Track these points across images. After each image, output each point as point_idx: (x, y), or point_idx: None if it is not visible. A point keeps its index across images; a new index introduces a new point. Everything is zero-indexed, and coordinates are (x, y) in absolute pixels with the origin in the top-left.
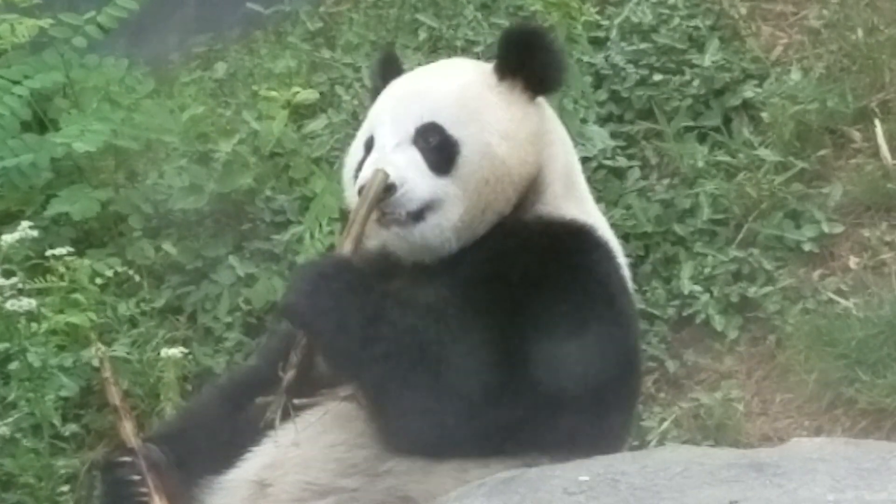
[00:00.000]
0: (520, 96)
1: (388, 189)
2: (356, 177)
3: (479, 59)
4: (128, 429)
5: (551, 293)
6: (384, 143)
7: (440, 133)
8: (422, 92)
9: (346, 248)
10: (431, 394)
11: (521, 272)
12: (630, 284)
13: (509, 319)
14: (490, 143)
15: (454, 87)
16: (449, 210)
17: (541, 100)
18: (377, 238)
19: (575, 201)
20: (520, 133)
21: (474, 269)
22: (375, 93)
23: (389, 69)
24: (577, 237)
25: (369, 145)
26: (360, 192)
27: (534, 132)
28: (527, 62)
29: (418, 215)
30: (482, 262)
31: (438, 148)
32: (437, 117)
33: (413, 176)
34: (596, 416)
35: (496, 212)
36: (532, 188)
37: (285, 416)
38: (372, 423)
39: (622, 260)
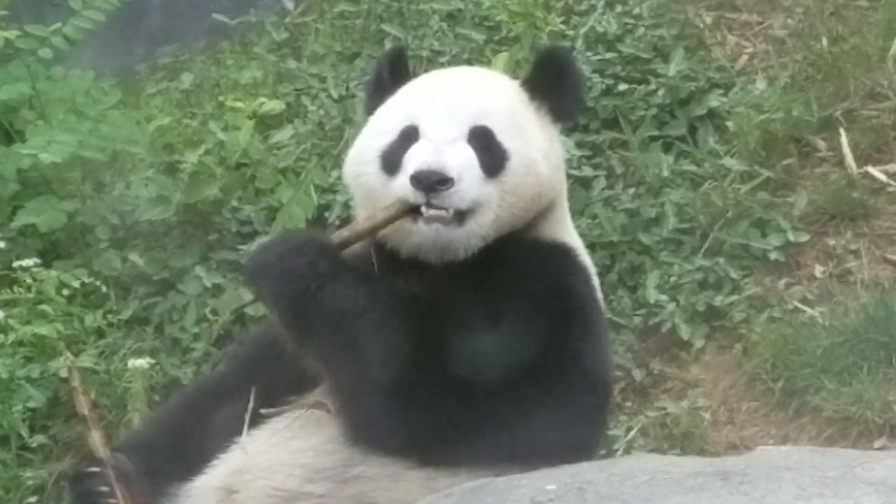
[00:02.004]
0: (544, 118)
1: (445, 182)
2: (384, 160)
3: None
4: (96, 439)
5: (531, 308)
6: (442, 135)
7: (491, 138)
8: (471, 94)
9: (341, 234)
10: (390, 385)
11: (509, 286)
12: (602, 304)
13: (489, 331)
14: (535, 159)
15: (501, 96)
16: (486, 215)
17: (556, 126)
18: (406, 234)
19: (564, 223)
20: (552, 155)
21: (466, 278)
22: (379, 85)
23: (398, 65)
24: (564, 260)
25: (410, 134)
26: (413, 179)
27: (560, 156)
28: (556, 88)
29: (462, 217)
30: (476, 272)
31: (489, 152)
32: (489, 122)
33: (469, 175)
34: (567, 429)
35: (514, 227)
36: (546, 208)
37: (253, 423)
38: (337, 416)
39: (596, 281)
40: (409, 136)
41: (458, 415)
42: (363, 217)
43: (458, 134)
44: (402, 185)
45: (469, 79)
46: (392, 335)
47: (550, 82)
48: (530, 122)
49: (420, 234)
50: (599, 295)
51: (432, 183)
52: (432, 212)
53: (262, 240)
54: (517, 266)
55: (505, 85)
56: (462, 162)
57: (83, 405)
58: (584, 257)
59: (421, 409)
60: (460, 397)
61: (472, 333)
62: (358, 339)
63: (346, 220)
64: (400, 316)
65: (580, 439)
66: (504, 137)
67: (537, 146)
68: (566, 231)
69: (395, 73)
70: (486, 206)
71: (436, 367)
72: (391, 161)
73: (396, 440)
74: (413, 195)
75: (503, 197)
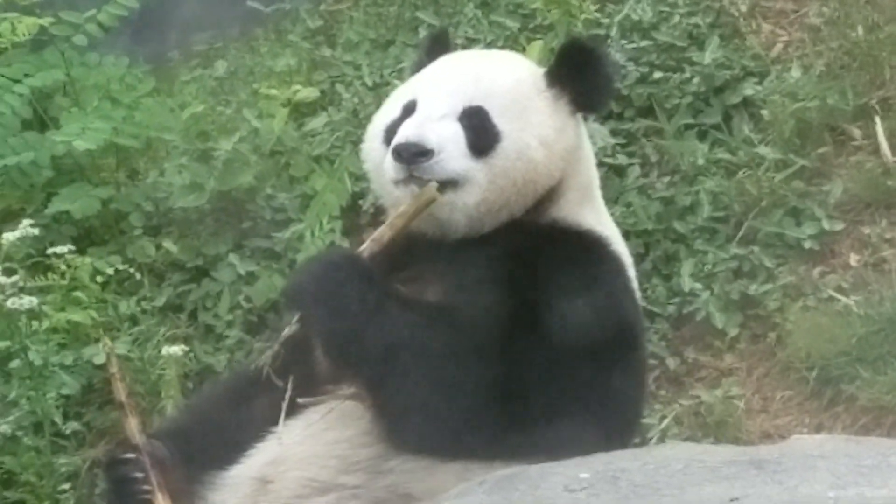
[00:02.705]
0: (563, 108)
1: (424, 154)
2: (386, 135)
3: None
4: (133, 425)
5: (561, 299)
6: (430, 111)
7: (485, 119)
8: (475, 74)
9: (368, 247)
10: (429, 393)
11: (534, 276)
12: (638, 296)
13: (518, 322)
14: (529, 144)
15: (508, 79)
16: (470, 193)
17: (578, 116)
18: (392, 195)
19: (591, 212)
20: (557, 144)
21: (487, 267)
22: (419, 66)
23: (438, 47)
24: (590, 246)
25: (409, 109)
26: (394, 152)
27: (568, 147)
28: (578, 78)
29: (441, 188)
30: (496, 261)
31: (480, 131)
32: (485, 103)
33: (451, 148)
34: (603, 421)
35: (511, 212)
36: (549, 195)
37: (289, 413)
38: (374, 419)
39: (632, 273)
40: (409, 110)
41: (495, 411)
42: (385, 224)
43: (448, 111)
44: (389, 160)
45: (481, 60)
46: (432, 343)
47: (572, 71)
48: (537, 108)
49: (399, 196)
50: (634, 285)
51: (412, 155)
52: (415, 179)
53: (295, 228)
54: (543, 254)
55: (520, 69)
56: (444, 136)
57: (121, 391)
58: (617, 246)
59: (457, 409)
60: (495, 393)
61: (503, 326)
62: (393, 350)
63: (379, 209)
64: (438, 321)
65: (615, 432)
66: (499, 119)
67: (536, 132)
68: (597, 219)
69: (433, 54)
70: (471, 183)
71: (470, 363)
72: (391, 135)
73: (436, 440)
74: (395, 170)
75: (492, 180)
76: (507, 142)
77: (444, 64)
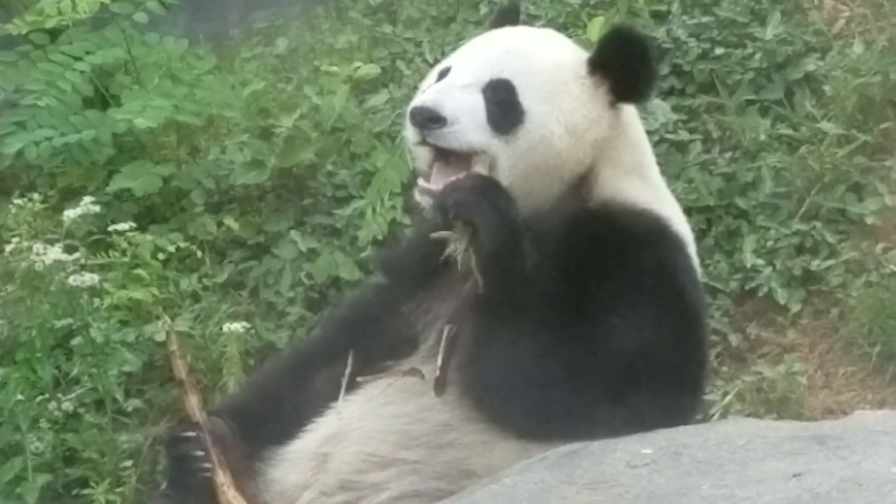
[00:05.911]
0: (602, 97)
1: (437, 120)
2: None
3: None
4: (193, 402)
5: (621, 281)
6: (455, 79)
7: (510, 94)
8: (511, 48)
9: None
10: (513, 370)
11: (593, 259)
12: (699, 274)
13: (576, 302)
14: (553, 132)
15: (545, 59)
16: (500, 171)
17: (619, 105)
18: (416, 157)
19: (646, 190)
20: (587, 134)
21: (545, 252)
22: None
23: (505, 21)
24: (647, 225)
25: (443, 74)
26: (409, 114)
27: (601, 137)
28: (620, 67)
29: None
30: (552, 245)
31: (503, 106)
32: (514, 78)
33: (467, 120)
34: (664, 402)
35: (538, 200)
36: (585, 180)
37: (349, 389)
38: (464, 382)
39: (692, 250)
40: (442, 77)
41: (559, 390)
42: None
43: (472, 80)
44: (407, 122)
45: (524, 36)
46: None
47: (615, 60)
48: (571, 94)
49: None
50: (695, 262)
51: (424, 119)
52: (423, 185)
53: (356, 205)
54: (599, 236)
55: (561, 51)
56: (461, 106)
57: (180, 369)
58: (676, 224)
59: (524, 387)
60: (558, 372)
61: (561, 307)
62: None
63: None
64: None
65: (677, 408)
66: (526, 98)
67: (564, 119)
68: (653, 197)
69: (499, 27)
70: (501, 159)
71: (535, 343)
72: None
73: (504, 415)
74: (411, 132)
75: (515, 163)
76: (532, 123)
77: (487, 35)
